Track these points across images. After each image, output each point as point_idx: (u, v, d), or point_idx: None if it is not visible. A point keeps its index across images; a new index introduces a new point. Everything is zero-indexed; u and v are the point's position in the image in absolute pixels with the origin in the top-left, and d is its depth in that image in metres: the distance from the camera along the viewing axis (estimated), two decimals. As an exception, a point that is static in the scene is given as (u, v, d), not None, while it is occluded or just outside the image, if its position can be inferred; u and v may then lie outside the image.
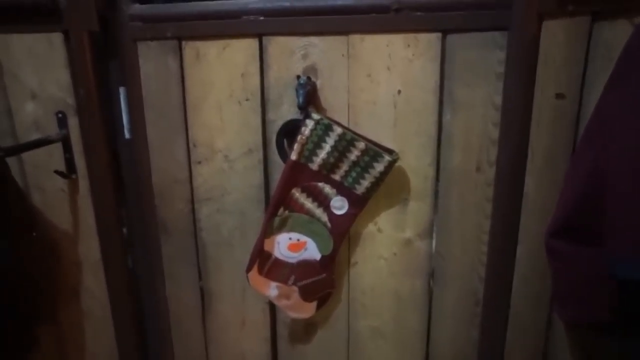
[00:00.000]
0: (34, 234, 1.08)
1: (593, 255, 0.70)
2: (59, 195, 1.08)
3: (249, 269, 0.94)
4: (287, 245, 0.91)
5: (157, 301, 1.13)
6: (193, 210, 1.03)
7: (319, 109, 0.89)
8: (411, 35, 0.84)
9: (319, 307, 0.96)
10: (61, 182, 1.07)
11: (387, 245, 0.94)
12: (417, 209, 0.91)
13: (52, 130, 1.00)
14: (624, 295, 0.67)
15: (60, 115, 0.98)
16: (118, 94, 0.99)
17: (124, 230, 1.13)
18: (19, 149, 0.99)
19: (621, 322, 0.69)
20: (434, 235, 0.92)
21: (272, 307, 1.05)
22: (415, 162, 0.89)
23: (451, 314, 0.95)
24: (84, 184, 1.05)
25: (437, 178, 0.90)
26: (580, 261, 0.70)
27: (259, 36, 0.89)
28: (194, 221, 1.03)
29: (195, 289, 1.09)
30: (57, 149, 1.03)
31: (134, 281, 1.16)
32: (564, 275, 0.73)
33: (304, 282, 0.92)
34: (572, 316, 0.75)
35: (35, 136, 1.01)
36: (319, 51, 0.87)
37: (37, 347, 1.22)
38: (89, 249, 1.11)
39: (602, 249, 0.69)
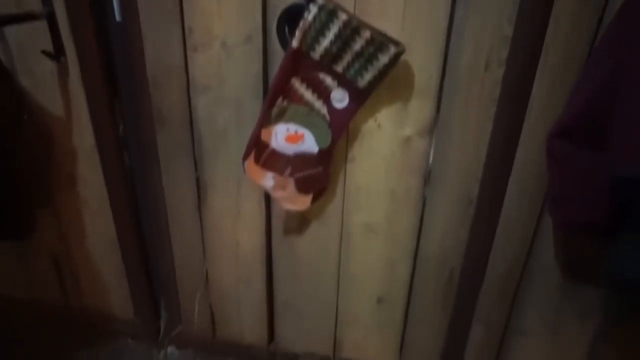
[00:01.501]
0: (25, 117, 1.06)
1: (594, 156, 0.70)
2: (49, 79, 1.04)
3: (245, 157, 0.93)
4: (284, 136, 0.90)
5: (153, 192, 1.14)
6: (189, 100, 1.00)
7: (324, -7, 0.82)
8: None
9: (314, 200, 0.97)
10: (50, 65, 1.02)
11: (386, 142, 0.93)
12: (420, 106, 0.88)
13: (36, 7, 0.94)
14: (619, 198, 0.68)
15: (43, -10, 0.92)
16: (106, -32, 0.92)
17: (119, 120, 1.11)
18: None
19: (612, 224, 0.70)
20: (434, 134, 0.91)
21: (267, 200, 1.06)
22: (422, 58, 0.85)
23: (443, 213, 0.96)
24: (74, 69, 1.01)
25: (442, 75, 0.86)
26: (579, 161, 0.70)
27: None
28: (190, 111, 1.01)
29: (191, 180, 1.09)
30: (43, 28, 0.97)
31: (129, 171, 1.17)
32: (561, 175, 0.73)
33: (300, 174, 0.92)
34: (566, 217, 0.76)
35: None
36: None
37: (37, 232, 1.26)
38: (83, 137, 1.10)
39: (604, 152, 0.68)
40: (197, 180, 1.10)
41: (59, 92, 1.06)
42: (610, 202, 0.66)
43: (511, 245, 0.93)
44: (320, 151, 0.91)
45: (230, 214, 1.11)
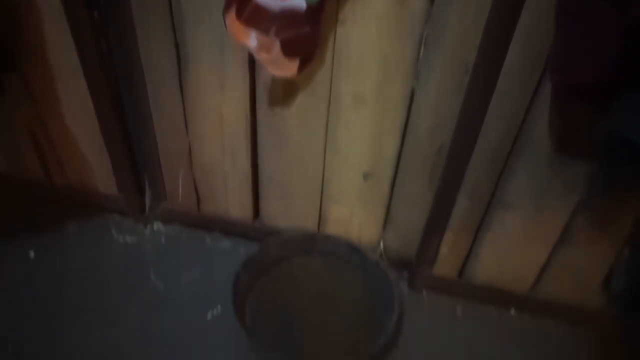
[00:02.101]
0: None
1: (607, 8, 0.64)
2: None
3: (226, 10, 0.85)
4: (269, -13, 0.81)
5: (131, 62, 1.06)
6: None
7: None
8: None
9: (301, 67, 0.90)
10: None
11: (381, 2, 0.84)
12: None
13: None
14: (629, 54, 0.63)
15: None
16: None
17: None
18: None
19: (620, 82, 0.66)
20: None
21: (252, 67, 0.99)
22: None
23: (437, 83, 0.91)
24: None
25: None
26: (592, 11, 0.64)
27: None
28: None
29: (171, 49, 1.01)
30: None
31: (103, 36, 1.07)
32: (571, 27, 0.67)
33: (286, 34, 0.85)
34: (570, 79, 0.71)
35: None
36: None
37: (9, 104, 1.19)
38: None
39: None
40: (177, 48, 1.01)
41: None
42: (623, 55, 0.61)
43: (504, 116, 0.90)
44: (308, 9, 0.83)
45: (213, 84, 1.04)
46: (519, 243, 1.09)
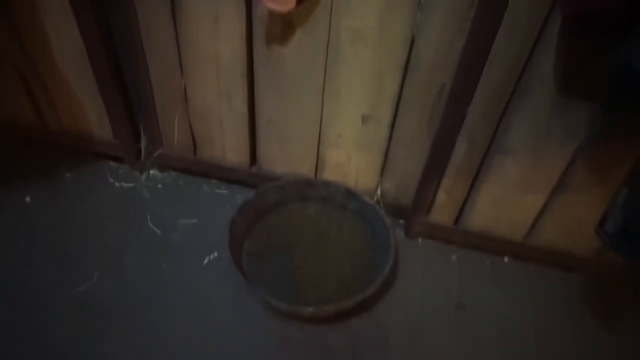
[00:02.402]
0: None
1: None
2: None
3: None
4: None
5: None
6: None
7: None
8: None
9: (299, 1, 0.87)
10: None
11: None
12: None
13: None
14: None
15: None
16: None
17: None
18: None
19: (626, 14, 0.63)
20: None
21: (248, 1, 0.95)
22: None
23: (441, 17, 0.88)
24: None
25: None
26: None
27: None
28: None
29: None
30: None
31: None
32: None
33: (285, -39, 0.81)
34: (579, 6, 0.68)
35: None
36: None
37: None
38: None
39: None
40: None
41: None
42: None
43: (509, 53, 0.87)
44: None
45: (208, 20, 1.00)
46: (516, 189, 1.08)
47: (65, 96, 1.25)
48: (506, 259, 1.25)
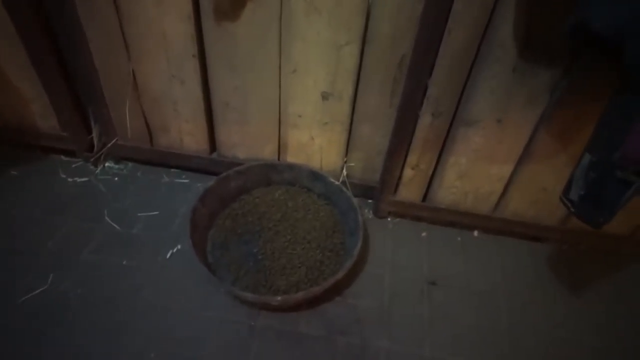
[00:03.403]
0: None
1: None
2: None
3: None
4: None
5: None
6: None
7: None
8: None
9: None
10: None
11: None
12: None
13: None
14: None
15: None
16: None
17: None
18: None
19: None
20: None
21: (193, -27, 0.90)
22: None
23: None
24: None
25: None
26: None
27: None
28: None
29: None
30: None
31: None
32: None
33: None
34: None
35: None
36: None
37: None
38: None
39: None
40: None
41: None
42: None
43: (468, 20, 0.84)
44: None
45: (151, -3, 0.94)
46: (483, 161, 1.07)
47: (3, 87, 1.16)
48: (476, 233, 1.25)
